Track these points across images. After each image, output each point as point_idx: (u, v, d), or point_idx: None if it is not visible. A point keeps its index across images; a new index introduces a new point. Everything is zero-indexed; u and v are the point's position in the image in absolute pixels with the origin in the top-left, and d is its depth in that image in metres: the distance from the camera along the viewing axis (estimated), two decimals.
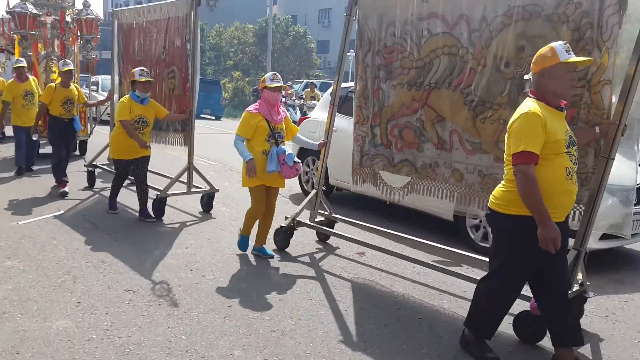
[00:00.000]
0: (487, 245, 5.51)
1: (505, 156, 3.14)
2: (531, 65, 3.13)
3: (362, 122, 5.06)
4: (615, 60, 3.41)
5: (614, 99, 3.40)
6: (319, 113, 7.95)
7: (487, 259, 4.45)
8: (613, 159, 3.38)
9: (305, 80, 28.22)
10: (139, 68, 6.17)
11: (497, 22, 3.97)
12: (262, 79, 5.00)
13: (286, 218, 5.46)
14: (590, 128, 3.47)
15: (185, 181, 6.66)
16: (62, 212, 6.45)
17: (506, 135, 3.11)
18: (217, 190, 6.73)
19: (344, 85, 8.22)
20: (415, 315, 4.05)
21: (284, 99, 21.20)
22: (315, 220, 5.62)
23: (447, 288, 4.61)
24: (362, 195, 6.95)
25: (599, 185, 3.43)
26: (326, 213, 5.72)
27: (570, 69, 3.02)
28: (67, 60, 8.08)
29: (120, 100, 6.21)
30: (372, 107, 4.94)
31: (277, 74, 5.03)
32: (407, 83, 4.61)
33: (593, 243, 5.00)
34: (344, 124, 7.03)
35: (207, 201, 6.70)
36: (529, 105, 3.01)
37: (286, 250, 5.38)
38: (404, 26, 4.60)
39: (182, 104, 6.51)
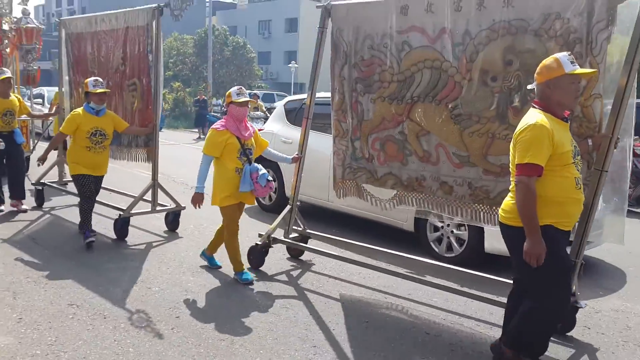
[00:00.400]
0: (447, 254, 5.54)
1: (512, 167, 3.12)
2: (535, 75, 3.13)
3: (342, 136, 4.96)
4: (605, 74, 3.47)
5: (605, 112, 3.47)
6: (273, 125, 7.82)
7: (456, 268, 4.62)
8: (607, 171, 3.43)
9: (248, 91, 27.97)
10: (92, 78, 5.74)
11: (482, 36, 3.97)
12: (227, 93, 4.80)
13: (260, 235, 5.28)
14: (582, 141, 3.52)
15: (150, 199, 6.30)
16: None
17: (511, 145, 3.10)
18: (184, 207, 6.40)
19: (298, 97, 8.19)
20: (362, 319, 4.12)
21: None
22: (290, 236, 5.48)
23: (394, 291, 4.70)
24: (316, 206, 6.96)
25: (593, 197, 3.47)
26: (300, 229, 5.58)
27: (575, 80, 3.04)
28: (3, 68, 7.54)
29: (72, 112, 5.78)
30: (351, 121, 4.85)
31: (243, 88, 4.86)
32: (388, 96, 4.55)
33: None
34: (299, 136, 6.90)
35: (173, 219, 6.38)
36: (536, 116, 3.00)
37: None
38: (382, 39, 4.55)
39: (145, 117, 6.18)
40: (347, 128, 4.91)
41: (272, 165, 7.23)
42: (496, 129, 3.99)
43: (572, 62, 3.01)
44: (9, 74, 6.91)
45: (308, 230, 5.58)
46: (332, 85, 4.96)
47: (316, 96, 7.55)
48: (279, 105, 8.13)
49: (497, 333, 3.77)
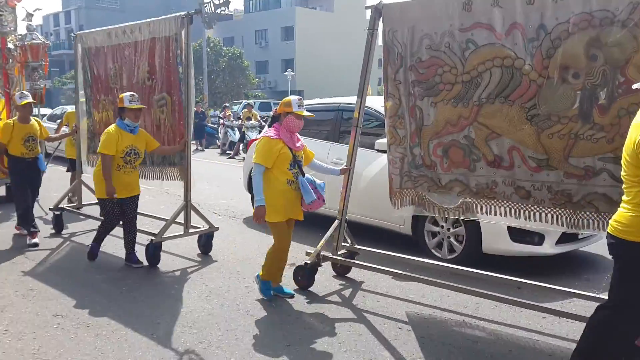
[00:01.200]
0: (439, 255, 5.59)
1: (627, 177, 2.81)
2: None
3: (399, 143, 4.66)
4: None
5: None
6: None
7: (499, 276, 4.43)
8: None
9: (245, 101, 27.98)
10: (128, 93, 5.40)
11: (560, 30, 3.69)
12: (285, 101, 4.49)
13: (307, 254, 4.97)
14: None
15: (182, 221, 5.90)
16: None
17: (627, 153, 2.79)
18: (217, 229, 6.06)
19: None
20: (429, 338, 3.83)
21: (221, 121, 20.54)
22: (339, 253, 5.16)
23: (444, 305, 4.53)
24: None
25: None
26: (347, 244, 5.26)
27: None
28: (24, 92, 7.18)
29: (106, 130, 5.36)
30: (409, 127, 4.56)
31: (302, 99, 4.58)
32: (452, 99, 4.26)
33: (550, 248, 5.18)
34: None
35: (206, 242, 6.00)
36: None
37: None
38: (442, 38, 4.26)
39: (177, 134, 5.83)
40: (404, 134, 4.61)
41: None
42: (579, 129, 3.70)
43: None
44: (29, 99, 6.55)
45: (356, 246, 5.27)
46: (386, 90, 4.67)
47: (314, 103, 7.55)
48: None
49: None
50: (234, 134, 18.71)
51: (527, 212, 4.09)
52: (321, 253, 4.95)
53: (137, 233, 5.66)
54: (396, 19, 4.54)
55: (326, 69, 44.93)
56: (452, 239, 5.55)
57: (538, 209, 4.02)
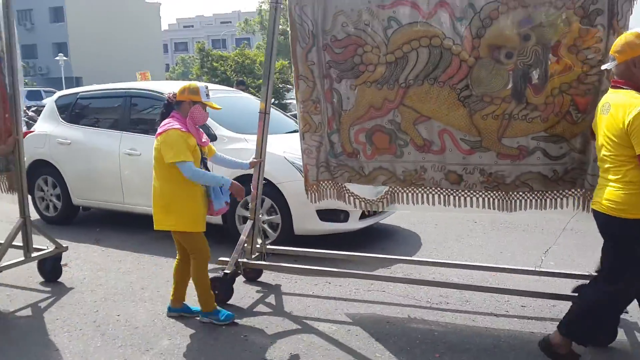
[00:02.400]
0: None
1: (610, 154, 2.89)
2: (614, 54, 2.94)
3: (314, 131, 4.26)
4: None
5: None
6: (45, 125, 6.86)
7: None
8: None
9: None
10: None
11: (490, 9, 3.67)
12: (191, 88, 3.74)
13: (222, 262, 4.31)
14: None
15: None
16: None
17: (611, 134, 2.86)
18: (66, 248, 4.85)
19: (71, 91, 7.25)
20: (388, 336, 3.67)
21: None
22: (253, 257, 4.58)
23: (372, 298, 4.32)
24: (111, 210, 6.43)
25: None
26: (258, 246, 4.71)
27: None
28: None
29: None
30: (326, 112, 4.19)
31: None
32: (376, 81, 4.00)
33: (355, 224, 5.43)
34: (78, 135, 6.40)
35: (52, 267, 4.78)
36: (638, 98, 2.80)
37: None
38: (360, 16, 3.97)
39: (1, 131, 4.44)
40: (320, 121, 4.23)
41: (52, 171, 6.54)
42: (513, 109, 3.75)
43: None
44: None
45: (269, 246, 4.78)
46: (296, 71, 4.21)
47: (98, 89, 6.91)
48: (49, 102, 7.18)
49: None
50: None
51: (457, 197, 4.06)
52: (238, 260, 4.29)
53: None
54: None
55: (108, 53, 41.40)
56: (265, 225, 5.39)
57: (469, 193, 4.01)
